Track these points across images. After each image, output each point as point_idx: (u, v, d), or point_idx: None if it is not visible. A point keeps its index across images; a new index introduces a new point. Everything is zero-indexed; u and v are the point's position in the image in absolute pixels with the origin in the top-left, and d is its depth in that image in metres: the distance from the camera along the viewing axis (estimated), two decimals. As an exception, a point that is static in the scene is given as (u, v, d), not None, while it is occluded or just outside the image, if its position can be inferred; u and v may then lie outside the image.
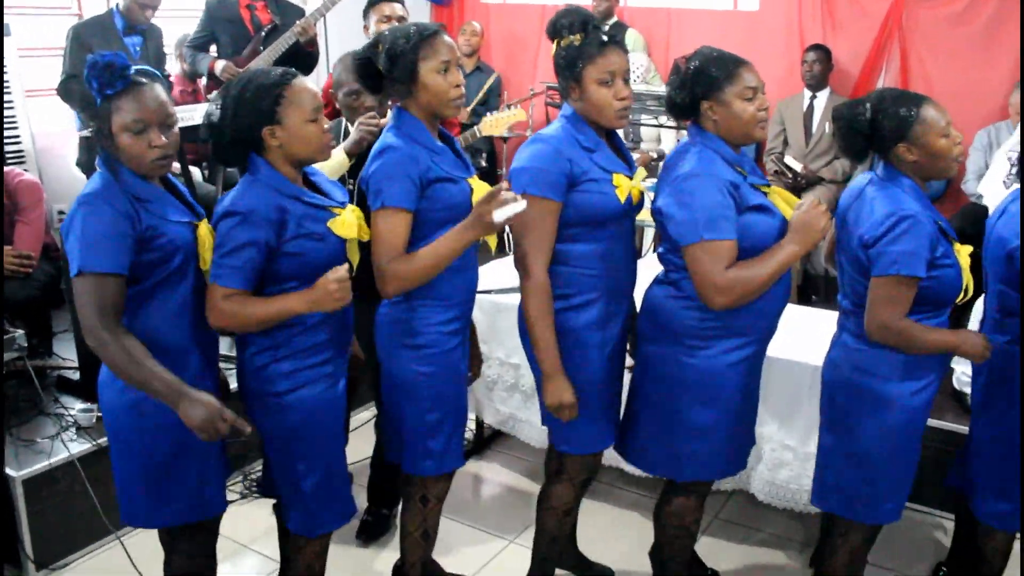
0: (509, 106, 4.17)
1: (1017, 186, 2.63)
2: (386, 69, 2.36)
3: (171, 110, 2.20)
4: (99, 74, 2.09)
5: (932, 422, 2.53)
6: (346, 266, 2.22)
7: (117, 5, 4.78)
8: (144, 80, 2.16)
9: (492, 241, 2.51)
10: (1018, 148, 4.25)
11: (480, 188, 2.45)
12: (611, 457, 2.93)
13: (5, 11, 4.92)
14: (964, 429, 2.89)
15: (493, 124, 3.90)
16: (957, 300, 2.40)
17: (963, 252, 2.38)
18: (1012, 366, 2.53)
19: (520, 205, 2.23)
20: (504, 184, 2.28)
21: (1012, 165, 2.57)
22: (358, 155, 2.95)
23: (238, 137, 2.25)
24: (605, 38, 2.38)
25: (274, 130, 2.22)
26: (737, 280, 2.28)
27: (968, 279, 2.38)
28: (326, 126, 2.28)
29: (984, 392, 2.63)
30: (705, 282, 2.30)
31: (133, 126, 2.12)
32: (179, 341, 2.24)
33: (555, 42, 2.45)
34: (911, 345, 2.34)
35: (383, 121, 2.91)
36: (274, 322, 2.23)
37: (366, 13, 3.76)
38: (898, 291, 2.29)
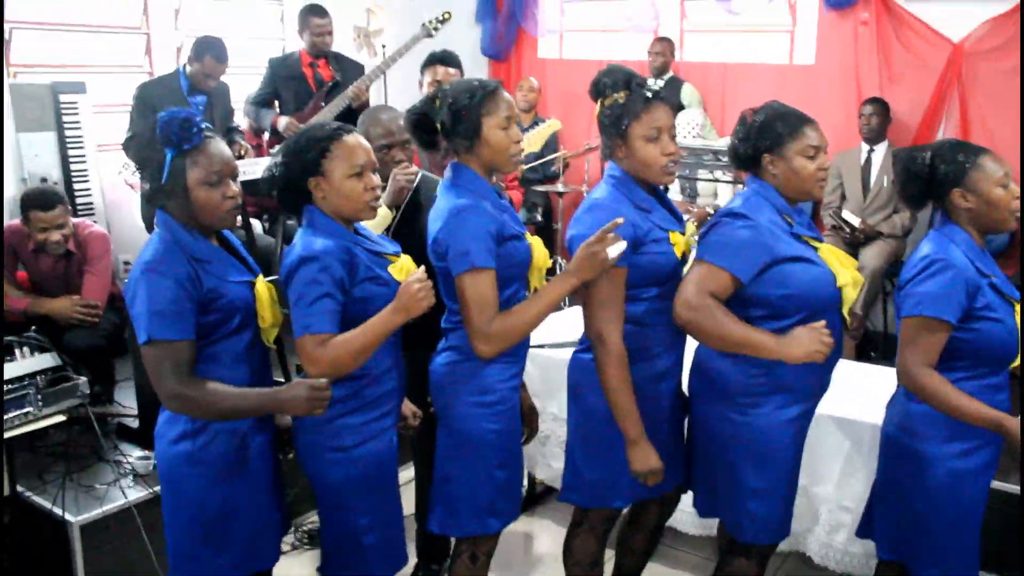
0: (550, 174, 4.16)
1: None
2: (449, 124, 2.36)
3: (235, 163, 2.26)
4: (176, 129, 2.14)
5: (1003, 486, 2.43)
6: (423, 268, 2.23)
7: (184, 66, 4.95)
8: (211, 135, 2.22)
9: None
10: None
11: (536, 244, 2.47)
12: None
13: (83, 69, 5.15)
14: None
15: (531, 140, 3.87)
16: (1014, 364, 2.34)
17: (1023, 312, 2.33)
18: None
19: (623, 244, 2.25)
20: (610, 225, 2.26)
21: None
22: (400, 209, 2.97)
23: (290, 187, 2.30)
24: (649, 94, 2.39)
25: (319, 182, 2.26)
26: (705, 307, 2.28)
27: None
28: (374, 184, 2.29)
29: None
30: (680, 292, 2.33)
31: (209, 178, 2.17)
32: None
33: (599, 101, 2.46)
34: (940, 403, 2.29)
35: (413, 169, 2.93)
36: (373, 348, 2.20)
37: (423, 69, 3.83)
38: (921, 334, 2.27)
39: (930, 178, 2.36)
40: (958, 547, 2.40)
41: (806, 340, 2.23)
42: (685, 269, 2.55)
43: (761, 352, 2.27)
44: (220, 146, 2.22)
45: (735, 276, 2.29)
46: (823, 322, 2.25)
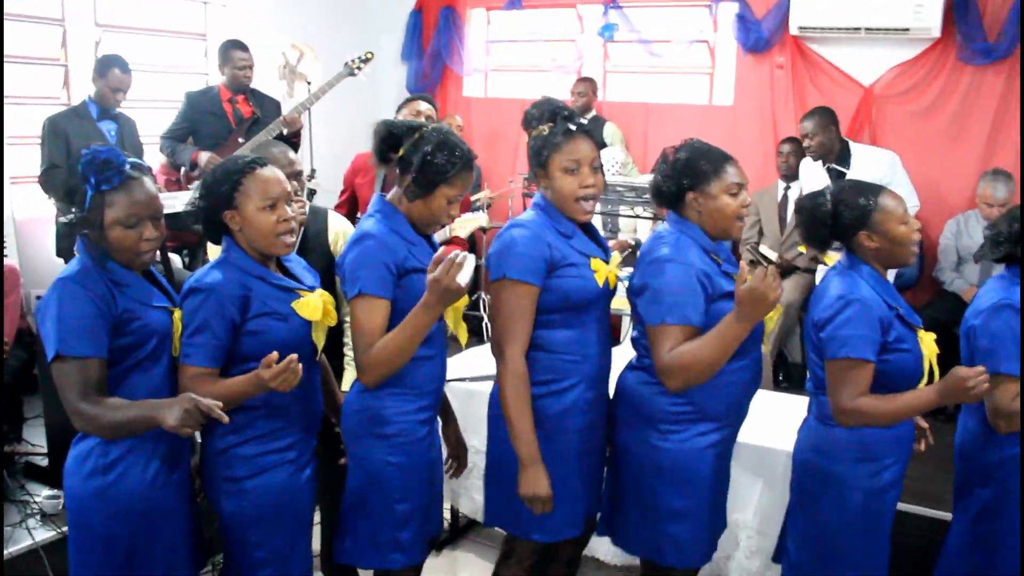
0: (475, 209, 4.26)
1: (986, 275, 2.70)
2: (414, 166, 2.33)
3: (160, 204, 2.24)
4: (97, 169, 2.12)
5: (912, 508, 2.51)
6: (294, 356, 2.10)
7: (90, 95, 4.87)
8: (136, 174, 2.20)
9: (463, 335, 2.51)
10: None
11: None
12: (588, 547, 2.88)
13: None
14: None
15: (461, 226, 3.94)
16: (919, 385, 2.42)
17: (926, 339, 2.42)
18: (987, 450, 2.54)
19: (471, 259, 2.21)
20: (444, 249, 2.23)
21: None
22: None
23: (209, 220, 2.29)
24: (572, 127, 2.42)
25: (234, 215, 2.26)
26: (679, 362, 2.29)
27: (932, 365, 2.41)
28: (292, 214, 2.29)
29: (962, 479, 2.64)
30: (657, 363, 2.33)
31: (127, 220, 2.16)
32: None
33: (528, 133, 2.50)
34: (883, 419, 2.35)
35: (303, 202, 2.92)
36: (233, 401, 2.17)
37: (405, 103, 4.12)
38: (849, 374, 2.33)
39: (834, 223, 2.44)
40: (868, 562, 2.46)
41: (761, 292, 2.19)
42: (615, 304, 2.58)
43: (740, 337, 2.28)
44: (144, 186, 2.20)
45: (695, 326, 2.33)
46: (761, 270, 2.23)
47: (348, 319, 2.45)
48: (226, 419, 2.02)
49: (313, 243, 3.02)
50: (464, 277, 2.19)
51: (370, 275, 2.29)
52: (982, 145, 5.45)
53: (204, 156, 4.96)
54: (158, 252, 3.12)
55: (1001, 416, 2.45)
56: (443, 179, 2.33)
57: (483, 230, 6.16)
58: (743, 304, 2.23)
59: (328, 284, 2.59)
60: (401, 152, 2.37)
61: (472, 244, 6.45)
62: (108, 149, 2.15)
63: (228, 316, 2.20)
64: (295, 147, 5.10)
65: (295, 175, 2.91)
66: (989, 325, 2.48)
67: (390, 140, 2.39)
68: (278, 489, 2.32)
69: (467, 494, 3.64)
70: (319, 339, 2.40)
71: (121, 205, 2.15)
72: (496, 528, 3.54)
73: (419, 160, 2.33)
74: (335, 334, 2.65)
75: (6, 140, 4.99)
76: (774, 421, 3.06)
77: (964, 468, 2.62)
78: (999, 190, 4.91)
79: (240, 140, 5.05)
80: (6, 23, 4.57)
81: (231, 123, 5.19)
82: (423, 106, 4.06)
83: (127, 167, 2.17)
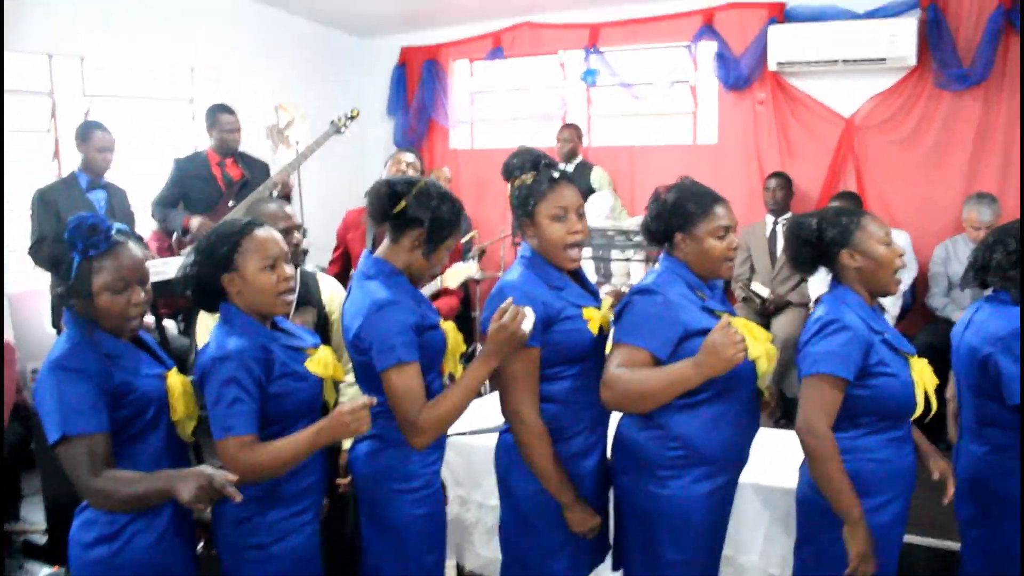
0: (466, 257, 4.27)
1: (977, 296, 2.71)
2: (427, 221, 2.35)
3: (146, 267, 2.25)
4: (84, 235, 2.12)
5: (917, 540, 2.50)
6: (365, 398, 2.19)
7: (78, 165, 4.90)
8: (122, 239, 2.21)
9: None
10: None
11: (452, 331, 2.49)
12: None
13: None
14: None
15: (452, 276, 3.96)
16: (915, 415, 2.41)
17: (917, 366, 2.41)
18: (994, 477, 2.54)
19: (531, 314, 2.26)
20: (508, 302, 2.28)
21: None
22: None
23: (205, 285, 2.28)
24: (556, 174, 2.44)
25: (233, 277, 2.26)
26: (620, 378, 2.28)
27: (927, 392, 2.40)
28: (290, 273, 2.30)
29: (971, 507, 2.61)
30: (604, 374, 2.33)
31: (115, 285, 2.16)
32: None
33: (510, 183, 2.51)
34: (822, 469, 2.31)
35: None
36: (298, 462, 2.18)
37: (386, 163, 4.21)
38: (821, 392, 2.32)
39: (818, 242, 2.45)
40: None
41: (719, 346, 2.18)
42: (607, 347, 2.58)
43: (689, 382, 2.23)
44: (130, 251, 2.21)
45: (653, 354, 2.31)
46: (725, 320, 2.22)
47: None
48: (239, 497, 2.03)
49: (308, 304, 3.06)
50: (528, 325, 2.25)
51: (402, 342, 2.28)
52: (964, 169, 5.51)
53: (196, 221, 4.98)
54: (153, 319, 3.15)
55: None
56: (452, 231, 2.37)
57: (475, 281, 6.19)
58: (702, 352, 2.21)
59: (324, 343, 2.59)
60: (402, 207, 2.37)
61: (466, 294, 6.48)
62: (93, 215, 2.16)
63: (258, 379, 2.19)
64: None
65: (294, 228, 2.95)
66: (1014, 350, 2.45)
67: (392, 197, 2.39)
68: (300, 551, 2.32)
69: (472, 550, 3.61)
70: (330, 395, 2.42)
71: (109, 270, 2.15)
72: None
73: (430, 215, 2.35)
74: None
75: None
76: (776, 459, 3.04)
77: (973, 497, 2.60)
78: (984, 213, 4.96)
79: (231, 204, 5.07)
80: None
81: (221, 187, 5.22)
82: (408, 157, 4.13)
83: (113, 232, 2.18)
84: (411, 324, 2.31)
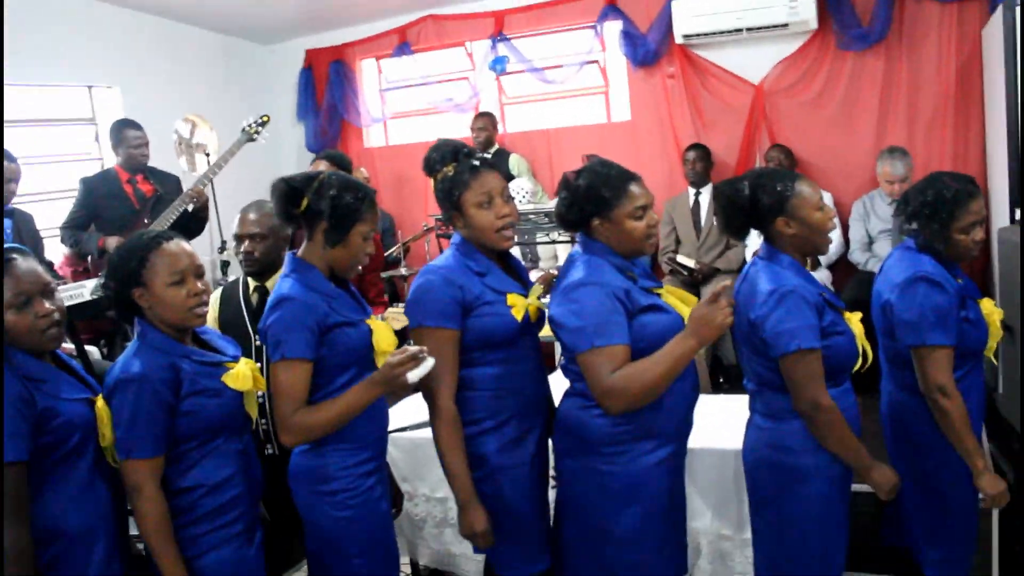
0: (390, 259, 4.22)
1: (892, 245, 2.76)
2: (326, 212, 2.33)
3: (48, 278, 2.20)
4: None
5: (860, 487, 2.54)
6: (415, 348, 2.24)
7: None
8: (16, 256, 2.16)
9: None
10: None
11: (379, 328, 2.44)
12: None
13: None
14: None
15: (395, 317, 3.90)
16: (855, 368, 2.45)
17: (853, 319, 2.45)
18: (909, 414, 2.62)
19: (430, 362, 2.25)
20: (413, 347, 2.26)
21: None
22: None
23: (119, 301, 2.26)
24: (476, 162, 2.43)
25: (142, 292, 2.23)
26: (628, 380, 2.25)
27: (864, 344, 2.44)
28: (201, 287, 2.27)
29: (893, 444, 2.70)
30: (597, 388, 2.28)
31: (15, 300, 2.11)
32: (83, 524, 2.16)
33: (433, 177, 2.49)
34: (832, 434, 2.34)
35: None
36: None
37: (311, 164, 4.11)
38: (808, 366, 2.32)
39: (752, 209, 2.44)
40: (834, 547, 2.46)
41: (710, 315, 2.23)
42: (545, 332, 2.55)
43: (688, 356, 2.27)
44: (26, 264, 2.16)
45: (624, 344, 2.28)
46: (717, 289, 2.26)
47: None
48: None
49: (234, 314, 3.04)
50: (416, 375, 2.23)
51: (294, 338, 2.27)
52: (873, 125, 5.65)
53: (112, 241, 4.82)
54: (73, 345, 3.05)
55: (935, 389, 2.48)
56: (357, 217, 2.34)
57: (403, 278, 6.14)
58: (693, 324, 2.27)
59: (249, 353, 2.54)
60: (305, 203, 2.34)
61: (393, 290, 6.42)
62: None
63: (164, 401, 2.16)
64: (204, 221, 5.01)
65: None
66: (905, 298, 2.52)
67: (291, 195, 2.36)
68: (229, 564, 2.28)
69: (425, 544, 3.57)
70: (252, 409, 2.39)
71: (7, 287, 2.11)
72: (465, 575, 3.52)
73: (329, 205, 2.32)
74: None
75: None
76: (718, 424, 3.06)
77: (896, 438, 2.67)
78: (897, 167, 5.09)
79: (145, 220, 4.92)
80: None
81: (134, 204, 5.06)
82: (322, 165, 4.03)
83: (9, 247, 2.14)
84: (310, 321, 2.28)
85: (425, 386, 2.41)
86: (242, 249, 3.08)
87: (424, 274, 2.45)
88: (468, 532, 2.42)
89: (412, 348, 2.25)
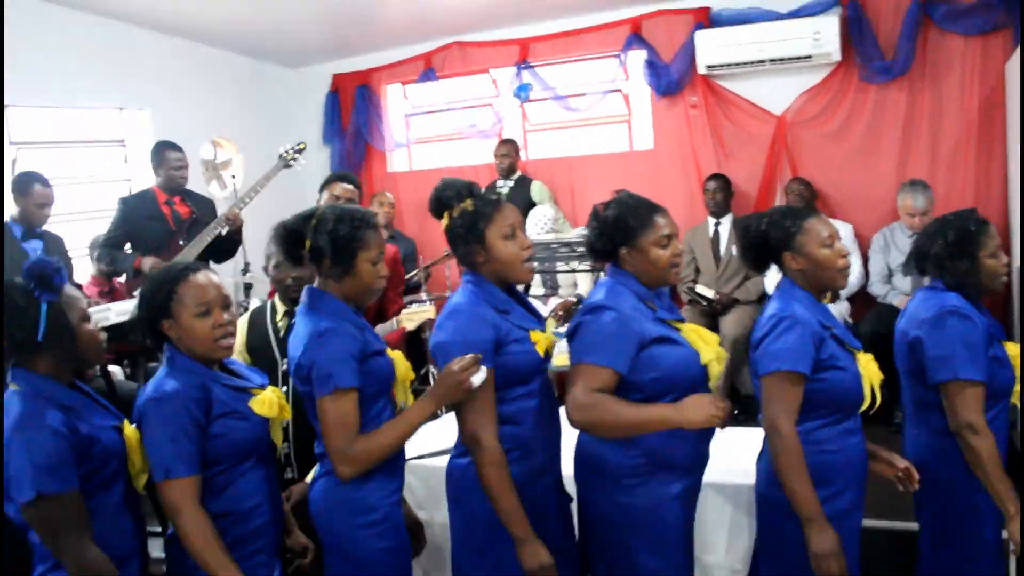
0: (411, 283, 4.24)
1: (917, 286, 2.77)
2: (326, 250, 2.35)
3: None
4: (39, 282, 2.13)
5: (873, 523, 2.54)
6: (471, 356, 2.28)
7: (12, 215, 4.79)
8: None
9: None
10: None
11: (397, 357, 2.48)
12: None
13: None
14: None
15: (408, 318, 3.94)
16: (862, 408, 2.46)
17: (863, 360, 2.46)
18: (935, 457, 2.60)
19: (484, 370, 2.29)
20: (471, 357, 2.29)
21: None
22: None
23: (149, 330, 2.30)
24: (494, 196, 2.48)
25: (171, 324, 2.27)
26: (596, 404, 2.28)
27: (872, 385, 2.45)
28: (228, 318, 2.30)
29: (920, 489, 2.64)
30: (569, 396, 2.32)
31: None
32: (121, 549, 2.18)
33: (446, 215, 2.51)
34: (786, 462, 2.34)
35: None
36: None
37: (322, 189, 4.04)
38: (782, 389, 2.36)
39: (764, 244, 2.52)
40: None
41: (701, 405, 2.25)
42: (552, 363, 2.59)
43: (664, 424, 2.27)
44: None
45: (616, 370, 2.32)
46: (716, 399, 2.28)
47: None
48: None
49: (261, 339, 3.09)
50: (478, 379, 2.28)
51: (341, 369, 2.27)
52: (895, 158, 5.66)
53: (148, 261, 4.86)
54: (97, 366, 3.10)
55: (966, 427, 2.48)
56: (359, 246, 2.35)
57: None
58: (688, 405, 2.26)
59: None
60: (308, 243, 2.37)
61: (419, 334, 6.40)
62: (42, 260, 2.16)
63: (196, 420, 2.18)
64: (237, 243, 5.08)
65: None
66: (936, 332, 2.53)
67: (294, 237, 2.40)
68: None
69: (441, 572, 3.58)
70: (276, 436, 2.40)
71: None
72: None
73: (327, 240, 2.34)
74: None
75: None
76: (734, 456, 3.06)
77: (921, 482, 2.66)
78: (918, 200, 5.09)
79: (180, 242, 4.98)
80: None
81: (171, 225, 5.09)
82: (338, 189, 3.99)
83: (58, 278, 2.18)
84: (352, 351, 2.29)
85: (466, 429, 2.41)
86: (288, 281, 3.13)
87: (455, 315, 2.42)
88: (534, 566, 2.36)
89: (468, 356, 2.28)
